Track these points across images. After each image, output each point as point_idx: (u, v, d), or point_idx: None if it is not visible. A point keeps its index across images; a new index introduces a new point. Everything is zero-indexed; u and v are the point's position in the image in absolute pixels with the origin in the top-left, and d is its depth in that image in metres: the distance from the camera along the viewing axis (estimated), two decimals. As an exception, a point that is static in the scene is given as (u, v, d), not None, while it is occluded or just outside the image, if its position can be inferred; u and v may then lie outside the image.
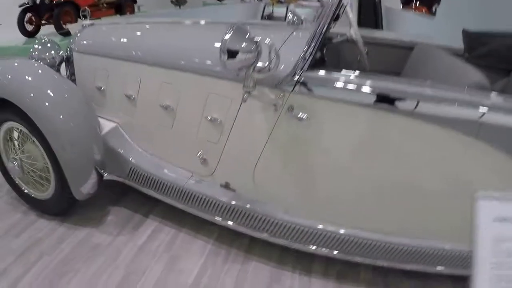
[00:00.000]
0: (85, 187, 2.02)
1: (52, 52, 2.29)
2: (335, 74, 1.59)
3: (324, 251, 1.84)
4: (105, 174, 2.11)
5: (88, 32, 2.32)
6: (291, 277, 1.92)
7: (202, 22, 2.14)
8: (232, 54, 1.46)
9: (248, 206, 1.86)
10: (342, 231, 1.77)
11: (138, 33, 2.16)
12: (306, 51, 1.59)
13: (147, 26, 2.20)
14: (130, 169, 2.09)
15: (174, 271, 1.91)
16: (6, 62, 2.08)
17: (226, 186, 1.92)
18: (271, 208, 1.84)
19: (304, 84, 1.59)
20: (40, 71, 2.01)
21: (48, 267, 1.89)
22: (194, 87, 1.87)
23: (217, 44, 1.51)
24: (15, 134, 2.15)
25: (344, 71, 1.59)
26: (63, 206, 2.18)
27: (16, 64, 2.04)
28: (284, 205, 1.83)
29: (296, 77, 1.59)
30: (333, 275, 1.95)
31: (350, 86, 1.54)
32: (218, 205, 1.92)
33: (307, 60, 1.58)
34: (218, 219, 1.96)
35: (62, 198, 2.12)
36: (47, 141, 1.89)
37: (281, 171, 1.78)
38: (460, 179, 1.56)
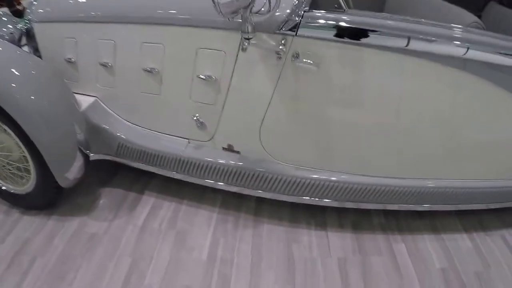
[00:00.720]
0: (70, 172, 1.80)
1: (10, 26, 1.99)
2: (339, 14, 1.46)
3: (336, 203, 1.79)
4: (91, 155, 1.90)
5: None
6: (307, 233, 1.86)
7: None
8: None
9: (255, 166, 1.74)
10: (354, 179, 1.72)
11: None
12: None
13: None
14: (118, 145, 1.88)
15: (185, 248, 1.78)
16: None
17: (229, 148, 1.77)
18: (281, 166, 1.73)
19: (308, 26, 1.46)
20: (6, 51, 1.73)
21: (45, 269, 1.69)
22: (179, 42, 1.62)
23: None
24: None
25: (349, 11, 1.47)
26: (48, 198, 1.95)
27: None
28: (294, 161, 1.73)
29: (298, 18, 1.45)
30: (348, 224, 1.91)
31: (357, 27, 1.43)
32: (222, 169, 1.78)
33: None
34: (221, 184, 1.84)
35: (46, 189, 1.89)
36: (20, 127, 1.65)
37: (290, 125, 1.65)
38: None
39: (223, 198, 2.01)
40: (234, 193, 1.89)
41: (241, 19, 1.36)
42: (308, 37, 1.45)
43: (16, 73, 1.63)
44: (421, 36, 1.41)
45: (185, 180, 1.89)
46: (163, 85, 1.75)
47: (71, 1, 1.88)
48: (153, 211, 1.97)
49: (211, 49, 1.59)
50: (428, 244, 1.85)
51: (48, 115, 1.66)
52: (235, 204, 1.98)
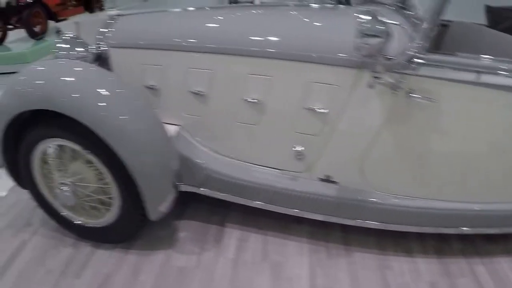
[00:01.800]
0: (164, 205, 1.75)
1: (82, 49, 1.93)
2: (453, 57, 1.56)
3: (417, 228, 1.83)
4: (182, 186, 1.85)
5: (122, 23, 1.97)
6: (396, 259, 1.90)
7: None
8: (367, 37, 1.37)
9: (352, 196, 1.78)
10: (446, 205, 1.79)
11: (202, 20, 1.89)
12: (426, 32, 1.51)
13: (205, 13, 1.95)
14: (205, 176, 1.86)
15: (283, 279, 1.76)
16: (40, 64, 1.74)
17: (327, 179, 1.80)
18: (379, 195, 1.78)
19: (425, 66, 1.53)
20: (86, 70, 1.69)
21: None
22: (291, 76, 1.67)
23: (318, 29, 1.60)
24: (51, 154, 1.82)
25: (459, 54, 1.57)
26: (129, 231, 1.89)
27: (52, 65, 1.73)
28: (393, 190, 1.78)
29: (417, 60, 1.53)
30: (430, 249, 1.97)
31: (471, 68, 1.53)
32: (316, 199, 1.80)
33: (427, 41, 1.52)
34: (310, 214, 1.85)
35: (129, 222, 1.83)
36: (108, 155, 1.61)
37: (394, 157, 1.71)
38: None
39: (309, 228, 2.02)
40: (318, 223, 1.91)
41: (373, 59, 1.43)
42: (424, 76, 1.53)
43: (110, 95, 1.60)
44: None
45: (273, 210, 1.88)
46: (264, 116, 1.77)
47: (167, 28, 1.88)
48: (241, 243, 1.94)
49: (324, 83, 1.64)
50: (504, 265, 1.95)
51: (146, 140, 1.64)
52: (322, 233, 1.99)
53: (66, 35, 1.96)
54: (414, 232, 1.91)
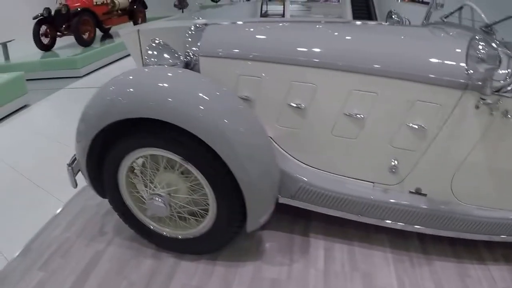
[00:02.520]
0: (264, 217, 1.76)
1: (171, 56, 1.90)
2: None
3: (486, 237, 1.92)
4: (280, 198, 1.86)
5: (211, 33, 1.96)
6: (473, 268, 1.99)
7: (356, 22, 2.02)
8: (482, 62, 1.44)
9: (439, 207, 1.85)
10: None
11: (305, 35, 1.93)
12: None
13: (302, 27, 2.00)
14: (299, 188, 1.87)
15: (376, 289, 1.82)
16: (140, 71, 1.78)
17: (417, 191, 1.87)
18: (464, 207, 1.86)
19: None
20: (191, 78, 1.71)
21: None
22: (396, 93, 1.72)
23: (424, 49, 1.71)
24: (142, 164, 1.83)
25: None
26: (219, 242, 1.89)
27: (156, 71, 1.74)
28: (477, 202, 1.87)
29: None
30: (500, 257, 2.08)
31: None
32: (405, 210, 1.86)
33: None
34: (400, 224, 1.91)
35: (222, 233, 1.83)
36: (210, 166, 1.63)
37: (483, 173, 1.80)
38: None
39: (389, 237, 2.08)
40: (397, 232, 1.98)
41: (484, 83, 1.50)
42: None
43: (219, 104, 1.62)
44: None
45: (365, 222, 1.93)
46: (363, 130, 1.80)
47: (265, 40, 1.89)
48: (328, 253, 1.98)
49: (428, 102, 1.69)
50: None
51: (254, 149, 1.65)
52: (401, 243, 2.06)
53: (155, 42, 1.91)
54: (483, 240, 2.02)
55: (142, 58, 3.63)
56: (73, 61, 6.07)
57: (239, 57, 1.87)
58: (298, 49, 1.80)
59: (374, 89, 1.74)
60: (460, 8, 2.07)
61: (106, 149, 1.78)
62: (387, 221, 1.91)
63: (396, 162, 1.81)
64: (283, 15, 12.28)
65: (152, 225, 1.91)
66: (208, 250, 1.92)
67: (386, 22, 2.60)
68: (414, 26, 2.26)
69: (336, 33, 1.92)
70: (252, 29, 1.98)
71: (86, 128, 1.73)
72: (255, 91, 1.88)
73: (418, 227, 1.90)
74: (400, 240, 2.07)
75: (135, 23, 8.52)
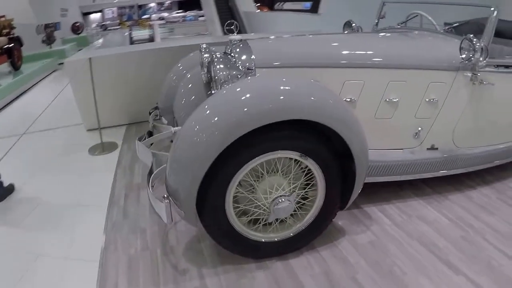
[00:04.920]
0: (359, 191, 2.15)
1: (235, 68, 2.19)
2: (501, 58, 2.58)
3: (488, 164, 2.81)
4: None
5: (261, 47, 2.27)
6: (473, 191, 2.77)
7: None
8: (473, 51, 2.28)
9: (447, 154, 2.60)
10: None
11: (341, 42, 2.50)
12: (488, 44, 2.42)
13: (338, 37, 2.64)
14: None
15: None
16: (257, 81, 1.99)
17: (432, 147, 2.58)
18: (461, 150, 2.66)
19: (490, 66, 2.50)
20: (303, 81, 1.97)
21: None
22: (419, 79, 2.40)
23: (432, 48, 2.49)
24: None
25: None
26: (319, 230, 2.19)
27: (278, 78, 1.96)
28: (467, 145, 2.68)
29: (486, 62, 2.43)
30: (480, 182, 2.91)
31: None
32: (427, 163, 2.55)
33: (487, 50, 2.43)
34: (422, 174, 2.58)
35: (324, 220, 2.16)
36: (325, 157, 1.95)
37: (473, 122, 2.61)
38: None
39: (412, 191, 2.75)
40: (411, 185, 2.68)
41: (474, 63, 2.34)
42: (488, 71, 2.50)
43: (331, 96, 1.97)
44: None
45: (403, 179, 2.53)
46: (396, 110, 2.41)
47: (312, 49, 2.36)
48: (385, 213, 2.51)
49: (439, 82, 2.44)
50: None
51: (358, 130, 1.98)
52: (419, 192, 2.75)
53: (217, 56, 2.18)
54: (469, 174, 2.83)
55: (92, 84, 3.52)
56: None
57: (293, 65, 2.25)
58: (348, 55, 2.34)
59: (404, 78, 2.39)
60: (415, 16, 2.91)
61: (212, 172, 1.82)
62: (415, 174, 2.55)
63: (420, 128, 2.47)
64: (151, 40, 12.38)
65: (259, 236, 2.06)
66: (308, 242, 2.18)
67: (344, 31, 3.30)
68: (412, 31, 3.01)
69: (367, 41, 2.52)
70: (293, 42, 2.39)
71: (205, 149, 1.72)
72: None
73: (434, 173, 2.61)
74: (417, 190, 2.75)
75: (13, 62, 7.73)
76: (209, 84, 2.72)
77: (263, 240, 2.06)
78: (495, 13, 2.45)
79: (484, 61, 2.37)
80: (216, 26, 10.78)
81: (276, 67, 2.24)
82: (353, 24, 3.18)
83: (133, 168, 3.25)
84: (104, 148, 3.70)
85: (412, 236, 2.29)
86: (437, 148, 2.59)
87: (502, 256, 2.09)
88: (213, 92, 2.33)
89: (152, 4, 22.91)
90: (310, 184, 2.05)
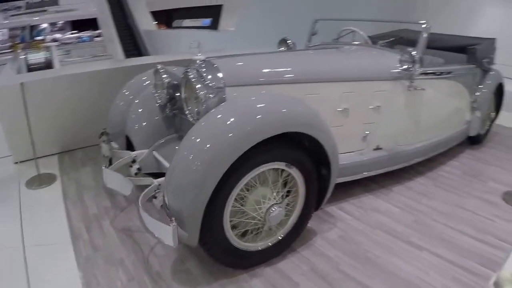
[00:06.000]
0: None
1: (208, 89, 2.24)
2: (437, 67, 3.13)
3: (418, 159, 3.31)
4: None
5: (226, 66, 2.31)
6: (412, 182, 3.24)
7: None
8: (411, 62, 2.75)
9: (390, 152, 3.02)
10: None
11: (299, 60, 2.74)
12: (421, 55, 2.87)
13: (295, 55, 2.88)
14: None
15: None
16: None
17: (377, 148, 2.96)
18: (400, 147, 3.10)
19: (422, 74, 2.97)
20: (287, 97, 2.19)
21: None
22: (365, 90, 2.75)
23: (374, 61, 2.89)
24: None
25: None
26: (300, 230, 2.38)
27: (275, 96, 2.18)
28: (405, 143, 3.14)
29: (420, 71, 2.91)
30: (416, 173, 3.40)
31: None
32: (373, 162, 2.93)
33: (422, 61, 2.89)
34: (370, 173, 2.95)
35: (303, 222, 2.36)
36: (308, 165, 2.17)
37: (410, 124, 3.07)
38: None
39: (361, 188, 3.11)
40: (361, 183, 3.06)
41: (411, 72, 2.79)
42: (421, 79, 2.97)
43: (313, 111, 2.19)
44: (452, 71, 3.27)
45: (355, 179, 2.86)
46: (347, 118, 2.74)
47: (271, 69, 2.52)
48: (344, 209, 2.80)
49: (381, 91, 2.84)
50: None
51: (332, 136, 2.25)
52: (368, 187, 3.13)
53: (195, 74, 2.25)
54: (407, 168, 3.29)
55: (26, 110, 3.28)
56: None
57: (260, 83, 2.39)
58: (307, 71, 2.58)
59: (353, 89, 2.72)
60: (349, 32, 3.31)
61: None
62: (364, 173, 2.91)
63: (367, 132, 2.83)
64: (48, 63, 11.31)
65: (253, 246, 2.16)
66: (290, 245, 2.34)
67: (279, 47, 3.57)
68: (358, 46, 3.34)
69: (321, 57, 2.82)
70: (257, 61, 2.56)
71: (211, 171, 1.78)
72: None
73: (380, 170, 3.00)
74: (365, 187, 3.12)
75: None
76: (166, 105, 2.75)
77: (260, 249, 2.18)
78: (427, 27, 2.96)
79: (419, 70, 2.83)
80: (116, 47, 10.31)
81: (245, 85, 2.34)
82: (289, 41, 3.47)
83: (83, 199, 3.07)
84: (41, 180, 3.40)
85: (373, 226, 2.61)
86: (381, 148, 2.98)
87: (450, 230, 2.52)
88: (186, 112, 2.36)
89: (45, 25, 21.12)
90: (292, 191, 2.23)
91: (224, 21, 9.43)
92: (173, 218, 1.79)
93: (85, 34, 22.05)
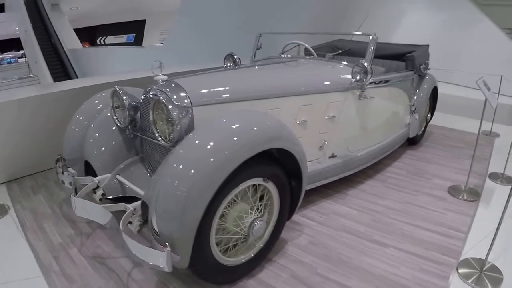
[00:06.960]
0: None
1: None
2: (382, 76, 3.43)
3: (369, 163, 3.61)
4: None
5: (190, 85, 2.34)
6: (364, 184, 3.50)
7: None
8: (363, 74, 2.99)
9: (344, 159, 3.26)
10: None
11: (258, 76, 2.87)
12: (370, 65, 3.13)
13: (253, 71, 2.96)
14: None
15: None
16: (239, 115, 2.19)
17: (332, 156, 3.17)
18: (352, 154, 3.35)
19: (372, 83, 3.27)
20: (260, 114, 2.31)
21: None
22: (320, 101, 2.93)
23: (327, 75, 3.12)
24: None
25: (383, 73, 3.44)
26: (277, 237, 2.48)
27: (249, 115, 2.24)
28: (358, 148, 3.41)
29: (370, 80, 3.19)
30: (367, 176, 3.69)
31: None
32: (330, 169, 3.15)
33: (372, 71, 3.14)
34: (328, 179, 3.17)
35: (278, 232, 2.47)
36: (282, 178, 2.29)
37: (360, 132, 3.33)
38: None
39: (318, 194, 3.29)
40: (318, 190, 3.25)
41: (362, 83, 3.05)
42: (370, 87, 3.26)
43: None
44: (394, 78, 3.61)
45: (314, 187, 3.04)
46: (306, 130, 2.92)
47: (234, 86, 2.60)
48: (308, 215, 2.95)
49: (335, 101, 3.06)
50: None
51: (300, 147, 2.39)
52: (328, 192, 3.32)
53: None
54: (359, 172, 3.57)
55: None
56: None
57: (225, 101, 2.45)
58: (264, 86, 2.70)
59: (310, 102, 2.90)
60: (296, 45, 3.51)
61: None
62: (322, 180, 3.11)
63: (324, 141, 3.04)
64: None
65: (236, 260, 2.20)
66: (266, 255, 2.41)
67: (226, 63, 3.68)
68: (310, 60, 3.54)
69: (277, 72, 2.98)
70: (220, 79, 2.63)
71: (200, 194, 1.81)
72: None
73: (336, 176, 3.22)
74: (321, 193, 3.33)
75: None
76: (127, 127, 2.71)
77: (244, 261, 2.23)
78: (374, 39, 3.26)
79: (370, 79, 3.11)
80: (43, 68, 9.68)
81: (211, 104, 2.39)
82: (235, 56, 3.60)
83: (43, 229, 2.87)
84: (-8, 213, 3.11)
85: (338, 229, 2.80)
86: (336, 156, 3.21)
87: (408, 225, 2.79)
88: (156, 135, 2.34)
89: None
90: (268, 203, 2.32)
91: (148, 36, 9.29)
92: (166, 244, 1.79)
93: (8, 55, 20.19)
